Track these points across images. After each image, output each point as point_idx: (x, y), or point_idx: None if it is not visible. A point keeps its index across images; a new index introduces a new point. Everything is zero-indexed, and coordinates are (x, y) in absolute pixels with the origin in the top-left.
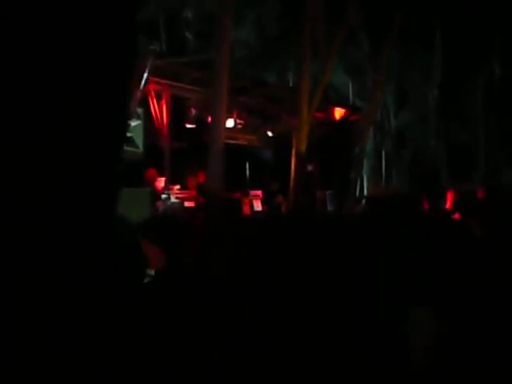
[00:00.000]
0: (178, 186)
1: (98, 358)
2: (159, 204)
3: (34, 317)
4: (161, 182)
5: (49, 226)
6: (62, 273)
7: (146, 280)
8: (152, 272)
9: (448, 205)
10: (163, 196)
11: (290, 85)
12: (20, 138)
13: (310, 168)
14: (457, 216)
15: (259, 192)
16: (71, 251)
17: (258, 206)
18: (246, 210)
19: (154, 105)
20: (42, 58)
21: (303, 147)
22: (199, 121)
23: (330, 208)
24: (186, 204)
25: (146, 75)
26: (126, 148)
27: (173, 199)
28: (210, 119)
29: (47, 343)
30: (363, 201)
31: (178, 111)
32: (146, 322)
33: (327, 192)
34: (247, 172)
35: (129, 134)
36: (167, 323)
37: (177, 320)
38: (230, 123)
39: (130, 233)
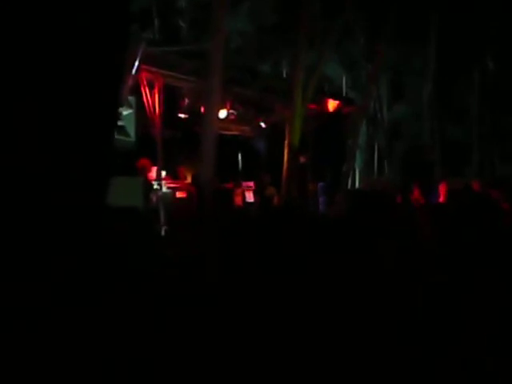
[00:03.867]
0: (164, 173)
1: (91, 359)
2: (153, 195)
3: (30, 315)
4: (153, 172)
5: (42, 220)
6: (57, 269)
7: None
8: None
9: (442, 198)
10: (155, 186)
11: (284, 76)
12: (18, 134)
13: (302, 160)
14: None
15: (251, 183)
16: (64, 246)
17: (250, 197)
18: (238, 201)
19: (146, 93)
20: (40, 54)
21: (296, 139)
22: (192, 111)
23: (320, 200)
24: (178, 194)
25: (137, 63)
26: (118, 137)
27: (164, 189)
28: (203, 109)
29: (36, 340)
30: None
31: (170, 100)
32: (143, 319)
33: (319, 184)
34: (240, 163)
35: (121, 123)
36: (164, 322)
37: (170, 318)
38: (222, 114)
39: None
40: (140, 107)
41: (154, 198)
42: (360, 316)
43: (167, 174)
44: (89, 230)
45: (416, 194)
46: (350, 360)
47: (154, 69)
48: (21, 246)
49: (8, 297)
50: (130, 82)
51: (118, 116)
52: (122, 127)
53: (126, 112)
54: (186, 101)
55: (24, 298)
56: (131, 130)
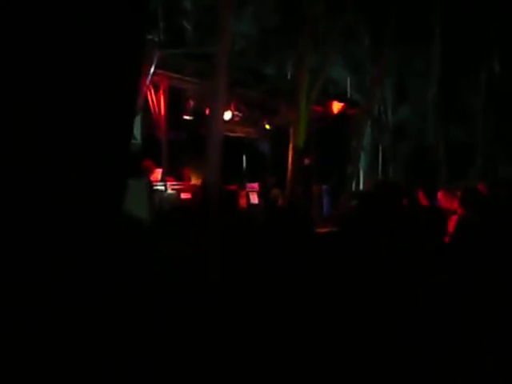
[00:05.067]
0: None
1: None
2: (156, 196)
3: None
4: (158, 174)
5: (42, 220)
6: (57, 269)
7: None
8: None
9: (442, 203)
10: (159, 187)
11: (289, 77)
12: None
13: (306, 161)
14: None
15: (256, 185)
16: (64, 246)
17: (254, 199)
18: (243, 202)
19: (151, 96)
20: (42, 53)
21: (301, 141)
22: (197, 112)
23: (325, 201)
24: (182, 195)
25: (152, 69)
26: None
27: (169, 191)
28: (208, 111)
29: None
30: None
31: (175, 102)
32: (145, 318)
33: (323, 186)
34: (244, 165)
35: None
36: (165, 321)
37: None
38: (227, 115)
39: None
40: (145, 109)
41: (158, 200)
42: (361, 315)
43: (170, 175)
44: (89, 230)
45: (419, 196)
46: (350, 359)
47: (159, 71)
48: (21, 246)
49: (8, 297)
50: (145, 88)
51: (132, 119)
52: None
53: None
54: (191, 103)
55: (24, 298)
56: (137, 131)
